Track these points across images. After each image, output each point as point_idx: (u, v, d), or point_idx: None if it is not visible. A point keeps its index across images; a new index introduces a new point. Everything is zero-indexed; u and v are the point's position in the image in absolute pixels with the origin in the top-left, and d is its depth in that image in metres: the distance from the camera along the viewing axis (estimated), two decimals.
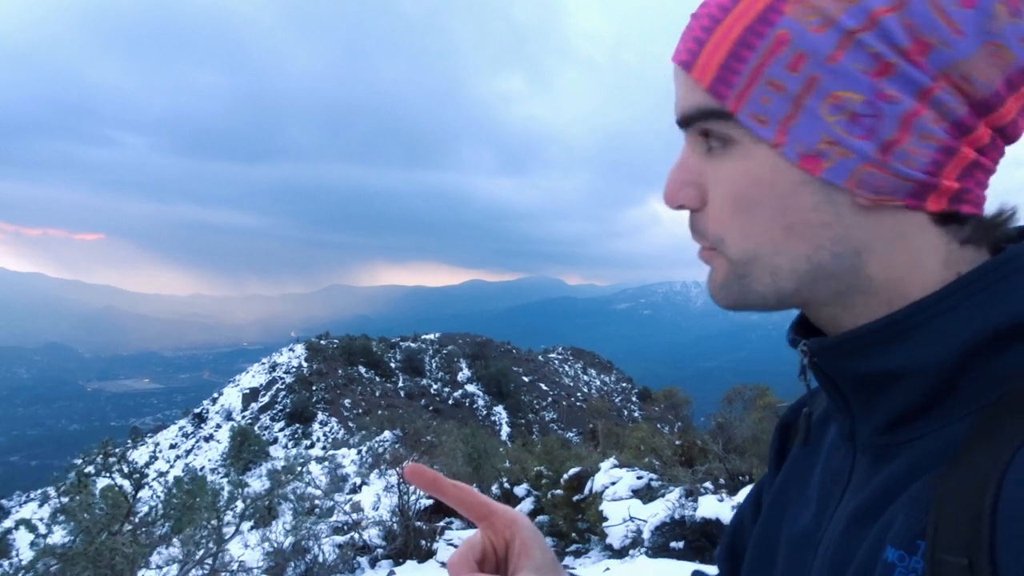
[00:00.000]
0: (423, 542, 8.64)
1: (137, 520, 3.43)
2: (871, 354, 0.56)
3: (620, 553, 7.78)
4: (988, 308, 0.52)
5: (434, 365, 72.56)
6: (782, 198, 0.55)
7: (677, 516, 7.25)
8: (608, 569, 6.93)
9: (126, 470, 3.21)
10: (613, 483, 8.90)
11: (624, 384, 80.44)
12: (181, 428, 55.50)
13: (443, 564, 8.18)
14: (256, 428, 46.86)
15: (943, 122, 0.52)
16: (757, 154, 0.56)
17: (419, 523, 9.31)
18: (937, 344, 0.53)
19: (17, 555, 3.09)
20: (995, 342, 0.52)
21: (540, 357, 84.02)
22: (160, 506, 3.88)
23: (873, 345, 0.56)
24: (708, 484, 7.64)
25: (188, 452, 48.52)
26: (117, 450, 3.32)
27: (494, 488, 13.02)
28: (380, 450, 17.75)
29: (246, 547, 7.86)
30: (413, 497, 9.48)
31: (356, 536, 8.70)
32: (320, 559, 7.66)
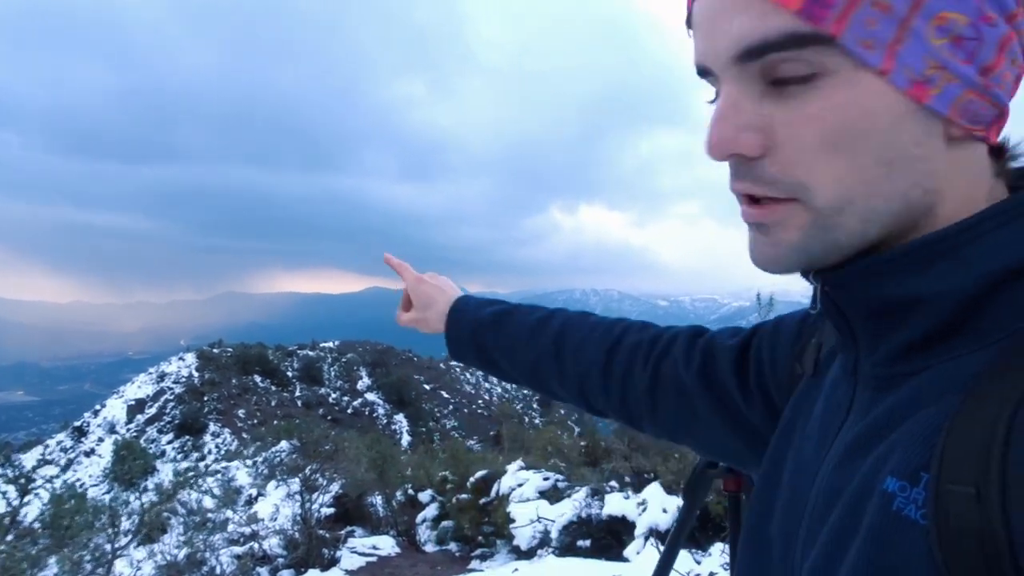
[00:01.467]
0: (326, 550, 8.40)
1: (20, 529, 3.17)
2: (888, 280, 0.54)
3: (528, 554, 7.80)
4: (1018, 240, 0.51)
5: (333, 374, 71.12)
6: (886, 131, 0.51)
7: (584, 515, 7.33)
8: (516, 570, 6.93)
9: (11, 474, 2.97)
10: (520, 485, 8.93)
11: (526, 392, 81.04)
12: (59, 443, 52.19)
13: (348, 572, 7.98)
14: (142, 441, 44.63)
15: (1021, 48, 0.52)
16: (861, 83, 0.50)
17: (321, 531, 9.05)
18: (960, 272, 0.51)
19: None
20: (1021, 275, 0.50)
21: (442, 364, 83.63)
22: (47, 516, 3.61)
23: (891, 271, 0.54)
24: (614, 483, 7.77)
25: (66, 466, 45.71)
26: (1, 455, 3.07)
27: (398, 494, 12.84)
28: (277, 460, 17.21)
29: (133, 565, 7.43)
30: (316, 505, 9.23)
31: (255, 546, 8.37)
32: (217, 571, 7.32)
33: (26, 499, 2.95)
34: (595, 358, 1.04)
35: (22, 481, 2.97)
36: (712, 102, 0.58)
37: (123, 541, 4.03)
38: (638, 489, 7.35)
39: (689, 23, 0.58)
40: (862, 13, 0.48)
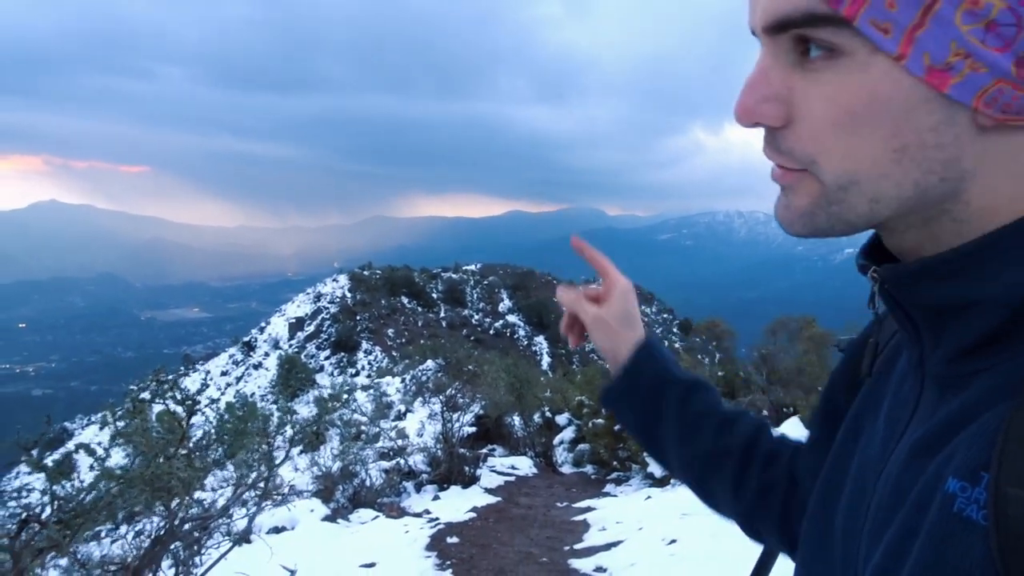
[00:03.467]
0: (467, 468, 8.81)
1: (191, 445, 3.53)
2: (945, 283, 0.53)
3: (662, 482, 7.86)
4: None
5: (475, 296, 73.18)
6: (899, 117, 0.50)
7: None
8: (649, 497, 7.02)
9: (179, 396, 3.29)
10: None
11: (665, 315, 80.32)
12: (231, 356, 57.20)
13: (487, 490, 8.36)
14: (303, 356, 48.09)
15: None
16: (874, 67, 0.49)
17: (462, 450, 9.49)
18: (1018, 274, 0.50)
19: (79, 477, 3.21)
20: None
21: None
22: (213, 431, 3.99)
23: (948, 274, 0.53)
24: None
25: (238, 379, 50.11)
26: (170, 377, 3.40)
27: (536, 417, 13.21)
28: (424, 378, 18.07)
29: (296, 471, 8.11)
30: (457, 425, 9.65)
31: (401, 461, 8.91)
32: (367, 483, 7.87)
33: (192, 421, 3.28)
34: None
35: (188, 403, 3.30)
36: None
37: (285, 449, 4.40)
38: (777, 423, 7.17)
39: None
40: None
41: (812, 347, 10.18)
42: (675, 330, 70.75)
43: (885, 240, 0.60)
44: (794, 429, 6.84)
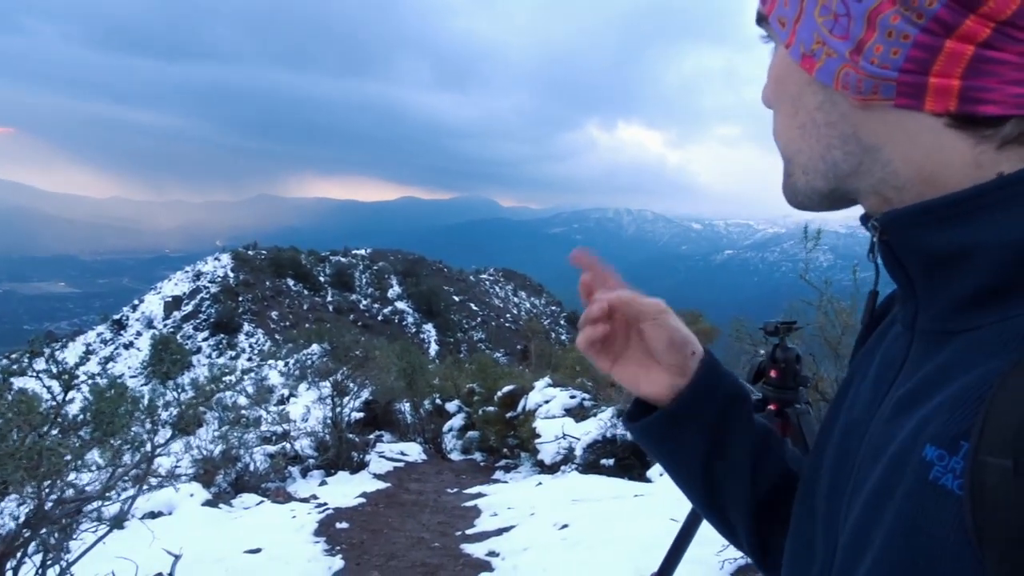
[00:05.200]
0: (355, 454, 8.65)
1: (66, 424, 3.27)
2: (947, 226, 0.52)
3: (552, 469, 7.96)
4: None
5: (364, 281, 72.06)
6: (794, 98, 0.59)
7: (608, 435, 7.43)
8: (540, 484, 7.09)
9: (55, 370, 3.04)
10: (547, 402, 9.05)
11: (554, 307, 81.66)
12: (99, 334, 53.96)
13: (376, 476, 8.23)
14: (179, 337, 45.99)
15: (916, 18, 0.50)
16: (779, 55, 0.60)
17: (351, 435, 9.31)
18: (1015, 224, 0.49)
19: None
20: None
21: (471, 277, 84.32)
22: (89, 410, 3.71)
23: (948, 217, 0.52)
24: None
25: (107, 359, 47.37)
26: (47, 350, 3.13)
27: (426, 403, 13.13)
28: (308, 363, 17.62)
29: (169, 455, 7.71)
30: (346, 409, 9.46)
31: (287, 446, 8.64)
32: (251, 468, 7.59)
33: (69, 396, 3.03)
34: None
35: (66, 377, 3.05)
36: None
37: (163, 436, 4.14)
38: None
39: None
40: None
41: (701, 340, 10.53)
42: (563, 322, 72.06)
43: (865, 208, 0.61)
44: None
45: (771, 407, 1.54)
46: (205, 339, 51.77)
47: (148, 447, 3.92)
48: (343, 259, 75.06)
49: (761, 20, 0.62)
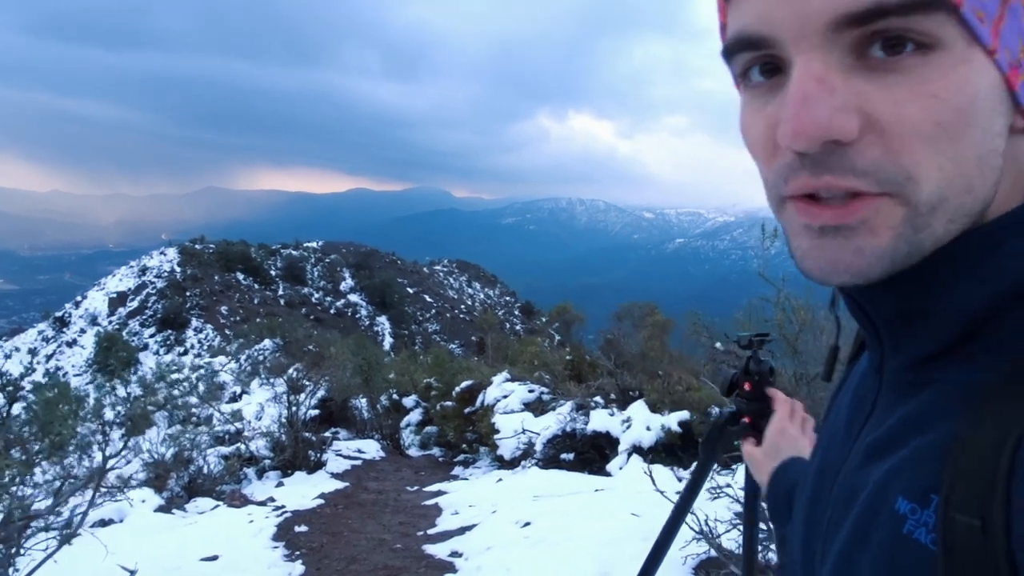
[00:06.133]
0: (312, 453, 8.53)
1: (12, 436, 3.14)
2: (903, 289, 0.51)
3: (511, 464, 7.97)
4: None
5: (316, 274, 71.14)
6: (988, 119, 0.45)
7: (568, 429, 7.45)
8: (500, 480, 7.09)
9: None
10: (505, 396, 9.04)
11: (508, 298, 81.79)
12: (41, 332, 52.28)
13: (334, 475, 8.13)
14: (125, 334, 44.83)
15: None
16: (972, 61, 0.44)
17: (307, 433, 9.18)
18: (976, 284, 0.48)
19: None
20: None
21: (425, 269, 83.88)
22: (35, 421, 3.58)
23: (906, 280, 0.50)
24: (599, 399, 7.87)
25: (49, 358, 45.97)
26: None
27: (383, 399, 13.01)
28: (260, 358, 17.34)
29: (116, 457, 7.51)
30: (302, 409, 9.32)
31: (242, 447, 8.48)
32: (205, 470, 7.42)
33: (13, 406, 2.91)
34: None
35: (10, 389, 2.92)
36: (747, 83, 0.52)
37: (114, 446, 4.02)
38: (623, 406, 7.45)
39: None
40: None
41: (655, 333, 10.71)
42: (517, 312, 72.20)
43: None
44: (639, 412, 7.14)
45: (745, 419, 1.54)
46: (152, 335, 50.59)
47: (100, 458, 3.80)
48: (294, 252, 74.00)
49: (922, 8, 0.43)
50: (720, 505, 4.34)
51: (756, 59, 0.50)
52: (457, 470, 9.19)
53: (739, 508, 4.54)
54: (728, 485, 4.11)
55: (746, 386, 1.54)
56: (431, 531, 5.58)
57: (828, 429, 0.68)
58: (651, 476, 3.55)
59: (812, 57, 0.46)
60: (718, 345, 5.42)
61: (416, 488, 7.44)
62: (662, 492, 3.54)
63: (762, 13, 0.47)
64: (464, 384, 9.93)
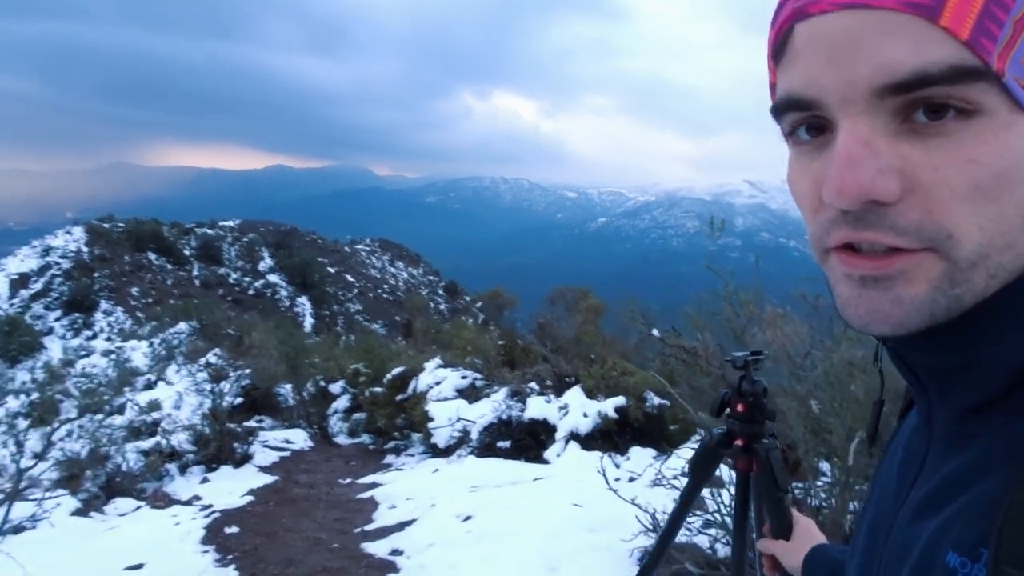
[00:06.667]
0: (238, 446, 8.23)
1: None
2: (947, 343, 0.51)
3: (446, 452, 7.87)
4: None
5: (233, 253, 69.00)
6: None
7: (504, 417, 7.39)
8: (437, 470, 6.98)
9: None
10: (438, 383, 8.92)
11: (432, 277, 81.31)
12: None
13: (262, 468, 7.87)
14: (27, 317, 42.58)
15: None
16: (1016, 127, 0.46)
17: (231, 424, 8.85)
18: (1014, 338, 0.49)
19: None
20: None
21: (347, 248, 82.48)
22: None
23: (950, 334, 0.51)
24: (534, 385, 7.83)
25: None
26: None
27: (308, 385, 12.68)
28: (176, 342, 16.68)
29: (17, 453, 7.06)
30: (227, 399, 8.98)
31: (162, 441, 8.09)
32: (123, 467, 7.05)
33: None
34: None
35: None
36: (795, 141, 0.54)
37: (29, 458, 3.72)
38: (559, 392, 7.43)
39: (782, 47, 0.53)
40: (1020, 51, 0.45)
41: (589, 317, 10.73)
42: (441, 291, 71.89)
43: None
44: (576, 398, 7.14)
45: (738, 442, 1.47)
46: (57, 319, 48.18)
47: (13, 468, 3.52)
48: (209, 231, 71.47)
49: (965, 78, 0.45)
50: (669, 497, 4.35)
51: (803, 119, 0.52)
52: (389, 458, 9.04)
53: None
54: (675, 477, 4.12)
55: (739, 407, 1.47)
56: (368, 527, 5.44)
57: (879, 485, 0.68)
58: (604, 475, 3.50)
59: (858, 121, 0.48)
60: (655, 332, 5.42)
61: (349, 480, 7.26)
62: (615, 491, 3.49)
63: (810, 77, 0.50)
64: (396, 371, 9.75)
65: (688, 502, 1.59)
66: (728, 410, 1.49)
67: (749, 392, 1.45)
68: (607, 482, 3.43)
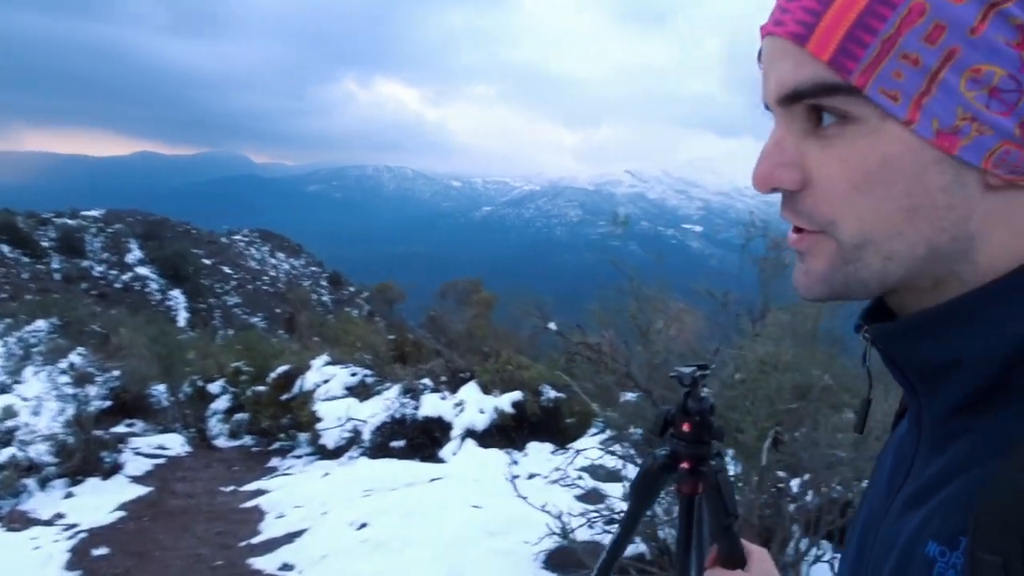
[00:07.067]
0: (106, 455, 7.60)
1: None
2: (931, 341, 0.56)
3: (335, 453, 7.55)
4: None
5: (98, 245, 64.81)
6: (911, 178, 0.52)
7: (398, 415, 7.16)
8: (328, 474, 6.68)
9: None
10: (326, 381, 8.57)
11: (314, 268, 79.33)
12: None
13: (133, 479, 7.30)
14: None
15: None
16: (885, 131, 0.52)
17: (98, 431, 8.18)
18: (998, 334, 0.52)
19: None
20: None
21: (223, 239, 79.23)
22: None
23: (933, 331, 0.55)
24: (427, 381, 7.63)
25: None
26: None
27: (185, 385, 11.96)
28: (34, 342, 15.42)
29: None
30: (91, 404, 8.29)
31: (19, 454, 7.36)
32: None
33: None
34: None
35: None
36: None
37: None
38: (454, 389, 7.27)
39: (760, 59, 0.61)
40: (890, 66, 0.51)
41: (481, 310, 10.58)
42: (324, 283, 70.17)
43: (890, 299, 0.62)
44: (472, 395, 6.99)
45: (684, 465, 1.35)
46: None
47: None
48: (70, 221, 66.77)
49: (831, 92, 0.53)
50: (571, 496, 4.28)
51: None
52: (275, 461, 8.62)
53: (591, 505, 4.51)
54: (580, 478, 4.05)
55: (684, 427, 1.35)
56: (255, 540, 5.11)
57: (872, 487, 0.71)
58: (513, 483, 3.36)
59: (779, 123, 0.58)
60: (552, 326, 5.35)
61: (232, 488, 6.84)
62: (525, 497, 3.36)
63: (762, 88, 0.60)
64: (280, 370, 9.31)
65: (630, 529, 1.46)
66: (672, 430, 1.37)
67: (696, 410, 1.33)
68: (516, 490, 3.29)
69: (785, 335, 2.61)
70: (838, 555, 3.00)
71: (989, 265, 0.54)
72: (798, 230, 0.59)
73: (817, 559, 2.93)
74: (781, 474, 2.79)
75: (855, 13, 0.51)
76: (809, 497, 2.92)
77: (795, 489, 3.01)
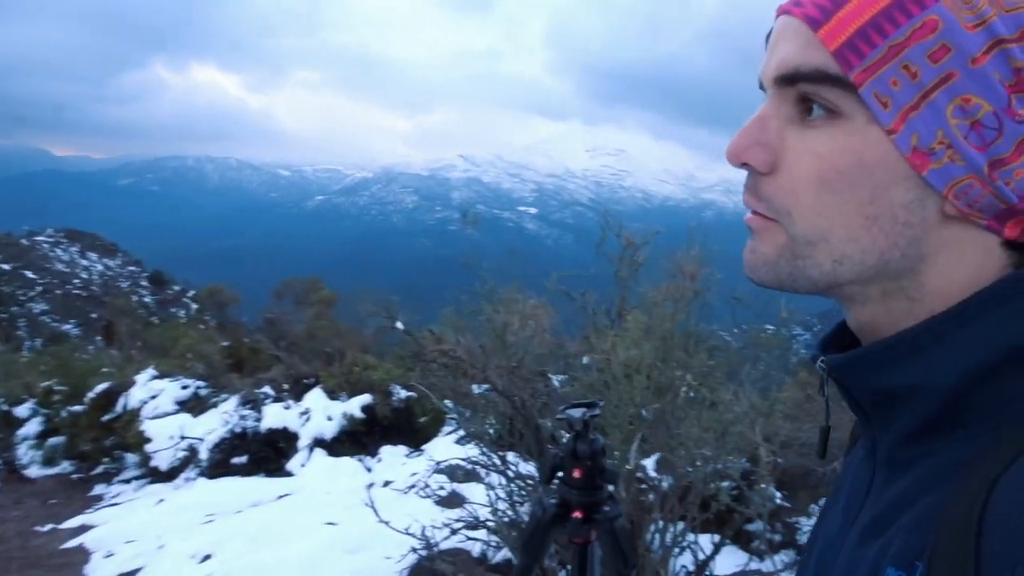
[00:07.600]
0: None
1: None
2: (884, 371, 0.56)
3: (169, 475, 6.97)
4: (997, 329, 0.52)
5: None
6: (878, 186, 0.53)
7: (238, 429, 6.71)
8: (162, 500, 6.15)
9: None
10: (154, 397, 7.89)
11: (132, 268, 73.90)
12: None
13: None
14: None
15: None
16: (867, 135, 0.53)
17: None
18: (947, 363, 0.53)
19: None
20: (1006, 364, 0.51)
21: (24, 241, 72.07)
22: None
23: (886, 362, 0.56)
24: (268, 389, 7.19)
25: None
26: None
27: None
28: None
29: None
30: None
31: None
32: None
33: None
34: None
35: None
36: None
37: None
38: (298, 396, 6.90)
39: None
40: (889, 72, 0.51)
41: (322, 310, 10.10)
42: (144, 283, 65.59)
43: (847, 314, 0.62)
44: (317, 401, 6.67)
45: (576, 514, 1.24)
46: None
47: None
48: None
49: (826, 82, 0.53)
50: (430, 503, 4.14)
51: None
52: (100, 488, 7.85)
53: (452, 511, 4.37)
54: (441, 488, 3.91)
55: (575, 473, 1.24)
56: None
57: (826, 516, 0.71)
58: (374, 508, 3.16)
59: (768, 101, 0.58)
60: (399, 325, 5.16)
61: (50, 527, 6.12)
62: (387, 523, 3.18)
63: (762, 66, 0.59)
64: (100, 388, 8.48)
65: None
66: (561, 475, 1.25)
67: (587, 454, 1.22)
68: (376, 515, 3.11)
69: (645, 336, 2.60)
70: (698, 541, 3.06)
71: (938, 291, 0.55)
72: (755, 212, 0.60)
73: (682, 550, 2.96)
74: (653, 474, 2.80)
75: (872, 12, 0.51)
76: (666, 485, 2.95)
77: (652, 473, 3.04)
